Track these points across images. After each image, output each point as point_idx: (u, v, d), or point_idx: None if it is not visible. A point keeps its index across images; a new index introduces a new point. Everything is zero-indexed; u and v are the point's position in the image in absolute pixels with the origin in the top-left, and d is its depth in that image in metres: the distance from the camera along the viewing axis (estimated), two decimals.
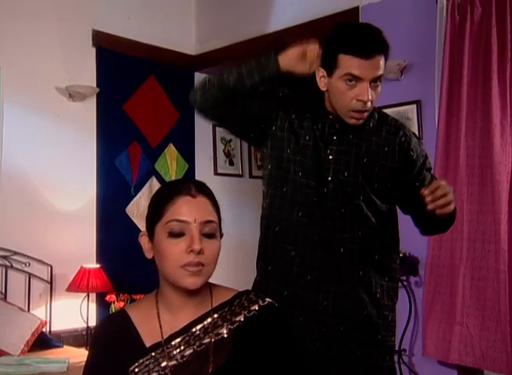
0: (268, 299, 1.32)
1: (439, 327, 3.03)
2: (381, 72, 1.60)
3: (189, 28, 4.53)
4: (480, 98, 2.95)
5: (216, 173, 4.59)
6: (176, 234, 1.23)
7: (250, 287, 1.41)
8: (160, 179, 4.28)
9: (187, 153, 4.45)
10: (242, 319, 1.28)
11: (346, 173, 1.68)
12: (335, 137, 1.70)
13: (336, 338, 1.66)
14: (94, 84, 3.96)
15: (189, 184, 1.27)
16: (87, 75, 3.93)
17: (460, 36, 3.03)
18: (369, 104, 1.61)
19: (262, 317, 1.29)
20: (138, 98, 4.20)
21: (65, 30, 3.87)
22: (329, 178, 1.69)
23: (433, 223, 1.75)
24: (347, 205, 1.68)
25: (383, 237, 1.74)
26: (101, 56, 4.02)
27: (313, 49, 1.67)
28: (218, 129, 4.68)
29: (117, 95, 4.09)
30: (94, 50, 4.00)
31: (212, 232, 1.25)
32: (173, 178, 4.34)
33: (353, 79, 1.58)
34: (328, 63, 1.63)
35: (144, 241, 1.30)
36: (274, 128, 1.75)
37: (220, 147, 4.69)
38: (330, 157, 1.69)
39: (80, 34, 3.94)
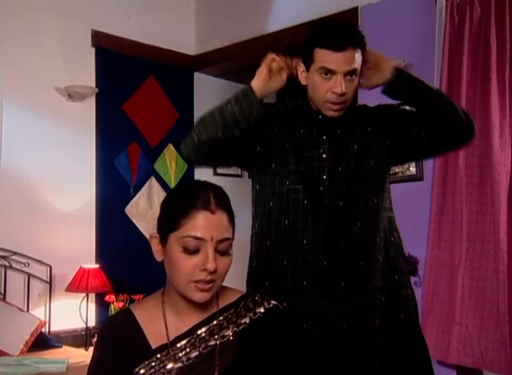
0: (273, 301, 1.32)
1: (438, 327, 3.03)
2: (355, 66, 1.65)
3: (188, 28, 4.53)
4: (479, 99, 2.96)
5: (215, 174, 4.58)
6: (191, 251, 1.20)
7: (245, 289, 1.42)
8: (159, 179, 4.28)
9: None
10: (248, 322, 1.27)
11: (340, 168, 1.71)
12: (324, 137, 1.73)
13: (340, 337, 1.66)
14: (94, 84, 3.96)
15: (208, 196, 1.22)
16: (86, 75, 3.93)
17: (459, 36, 3.03)
18: (343, 96, 1.66)
19: (268, 319, 1.28)
20: (137, 99, 4.20)
21: (64, 30, 3.86)
22: (324, 176, 1.71)
23: (429, 115, 1.73)
24: (345, 198, 1.70)
25: (381, 220, 1.75)
26: (101, 56, 4.02)
27: (272, 59, 1.71)
28: None
29: (116, 95, 4.09)
30: (93, 50, 4.00)
31: (227, 249, 1.23)
32: (172, 178, 4.34)
33: (328, 72, 1.64)
34: (306, 58, 1.70)
35: (154, 242, 1.27)
36: (258, 148, 1.77)
37: None
38: (324, 156, 1.72)
39: (80, 34, 3.94)
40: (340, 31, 1.66)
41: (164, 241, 1.24)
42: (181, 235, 1.20)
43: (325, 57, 1.64)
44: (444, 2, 3.12)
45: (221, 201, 1.23)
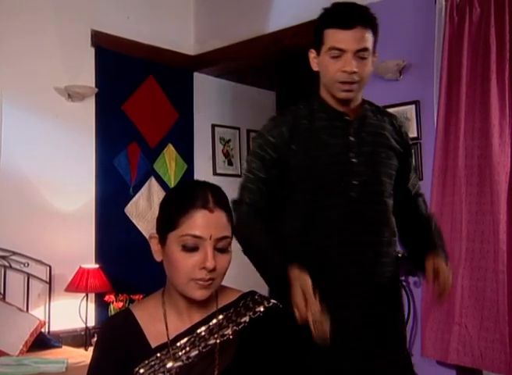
0: (273, 301, 1.32)
1: (437, 327, 3.03)
2: (365, 44, 1.63)
3: (188, 28, 4.53)
4: (479, 99, 2.96)
5: (215, 174, 4.59)
6: (189, 249, 1.20)
7: (247, 287, 1.41)
8: (159, 179, 4.28)
9: (186, 153, 4.45)
10: (247, 320, 1.28)
11: (368, 174, 1.70)
12: (352, 138, 1.71)
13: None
14: (93, 84, 3.96)
15: (207, 195, 1.22)
16: (85, 75, 3.93)
17: (458, 36, 3.03)
18: (355, 76, 1.64)
19: (267, 318, 1.29)
20: (137, 99, 4.20)
21: (64, 30, 3.86)
22: (355, 182, 1.69)
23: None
24: (375, 206, 1.71)
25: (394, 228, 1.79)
26: (100, 56, 4.02)
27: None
28: (217, 129, 4.68)
29: (116, 95, 4.09)
30: (92, 50, 4.00)
31: (226, 247, 1.23)
32: (172, 178, 4.34)
33: (338, 51, 1.63)
34: (317, 42, 1.70)
35: (153, 242, 1.27)
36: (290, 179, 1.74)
37: (219, 147, 4.69)
38: (353, 160, 1.70)
39: (79, 34, 3.94)
40: (349, 10, 1.66)
41: (163, 240, 1.24)
42: (180, 234, 1.20)
43: (333, 36, 1.63)
44: (444, 2, 3.12)
45: (219, 200, 1.24)
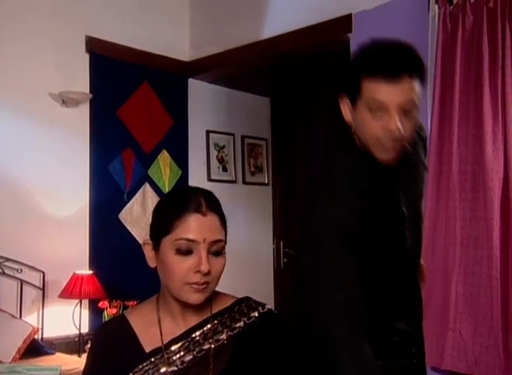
0: (268, 306, 1.33)
1: (432, 333, 3.03)
2: (412, 96, 1.35)
3: (183, 34, 4.54)
4: (472, 105, 2.97)
5: (209, 180, 4.59)
6: (183, 252, 1.21)
7: (243, 292, 1.41)
8: (153, 185, 4.27)
9: (181, 159, 4.45)
10: (242, 326, 1.28)
11: (414, 228, 1.55)
12: (398, 191, 1.49)
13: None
14: (88, 90, 3.96)
15: (199, 198, 1.24)
16: (80, 81, 3.93)
17: (452, 43, 3.05)
18: (400, 133, 1.35)
19: (262, 324, 1.29)
20: (132, 104, 4.20)
21: (58, 36, 3.86)
22: (406, 232, 1.51)
23: None
24: (418, 257, 1.65)
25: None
26: (95, 62, 4.02)
27: None
28: (211, 135, 4.69)
29: (110, 101, 4.09)
30: (87, 56, 4.00)
31: (220, 250, 1.24)
32: (167, 184, 4.34)
33: (379, 106, 1.35)
34: (351, 90, 1.40)
35: (147, 249, 1.28)
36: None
37: (213, 153, 4.70)
38: (405, 211, 1.50)
39: (74, 40, 3.94)
40: (393, 56, 1.35)
41: (157, 246, 1.25)
42: (174, 238, 1.21)
43: (375, 89, 1.34)
44: (437, 10, 3.14)
45: (212, 203, 1.25)
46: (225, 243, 1.27)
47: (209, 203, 1.24)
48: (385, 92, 1.33)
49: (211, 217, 1.23)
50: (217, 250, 1.23)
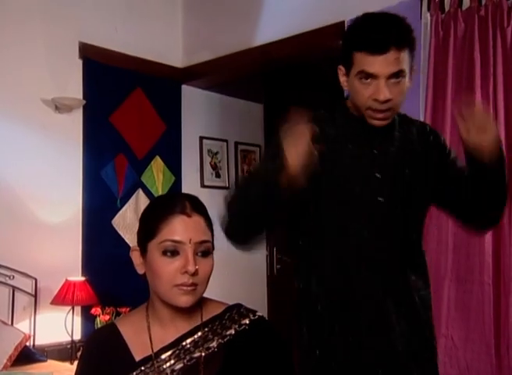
0: (258, 313, 1.32)
1: None
2: (400, 67, 1.46)
3: (176, 41, 4.55)
4: None
5: (203, 186, 4.60)
6: (170, 254, 1.21)
7: (235, 299, 1.41)
8: (146, 191, 4.27)
9: (174, 165, 4.45)
10: (233, 333, 1.28)
11: (392, 190, 1.58)
12: (375, 151, 1.58)
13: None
14: (81, 96, 3.95)
15: (183, 201, 1.25)
16: (73, 87, 3.93)
17: (443, 51, 3.07)
18: (388, 103, 1.48)
19: (253, 331, 1.29)
20: (125, 110, 4.20)
21: (51, 42, 3.86)
22: (380, 198, 1.56)
23: (478, 189, 1.58)
24: (400, 218, 1.60)
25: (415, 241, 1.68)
26: (88, 68, 4.01)
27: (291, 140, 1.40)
28: (204, 141, 4.69)
29: (103, 107, 4.08)
30: (80, 62, 3.99)
31: (206, 251, 1.24)
32: (160, 190, 4.33)
33: (368, 76, 1.47)
34: (345, 61, 1.52)
35: (135, 256, 1.28)
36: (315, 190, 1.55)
37: (207, 159, 4.70)
38: (377, 175, 1.57)
39: (67, 46, 3.94)
40: (381, 30, 1.46)
41: (144, 251, 1.25)
42: (159, 240, 1.22)
43: (363, 61, 1.46)
44: (429, 17, 3.16)
45: (197, 205, 1.26)
46: (213, 245, 1.27)
47: (194, 205, 1.25)
48: (374, 64, 1.45)
49: (196, 218, 1.23)
50: (204, 251, 1.23)
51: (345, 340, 1.54)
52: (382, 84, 1.46)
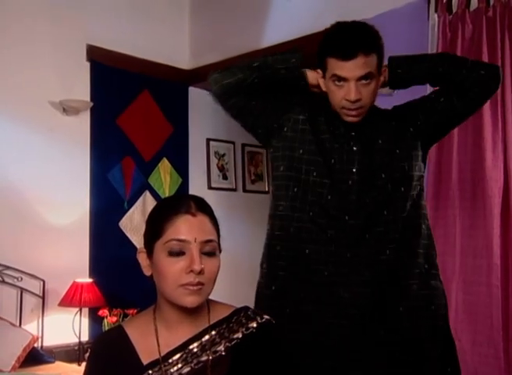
0: (266, 316, 1.31)
1: None
2: (368, 70, 1.64)
3: (183, 43, 4.55)
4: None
5: (210, 188, 4.59)
6: (175, 253, 1.22)
7: (242, 302, 1.41)
8: (154, 193, 4.27)
9: (181, 167, 4.45)
10: (240, 337, 1.27)
11: (372, 163, 1.72)
12: (353, 133, 1.74)
13: (361, 328, 1.66)
14: (88, 98, 3.97)
15: (188, 202, 1.25)
16: (80, 89, 3.94)
17: (451, 52, 3.06)
18: (359, 102, 1.66)
19: (260, 334, 1.28)
20: (132, 112, 4.21)
21: (59, 45, 3.88)
22: (354, 169, 1.71)
23: (448, 86, 1.79)
24: (374, 194, 1.70)
25: (411, 222, 1.75)
26: (95, 70, 4.03)
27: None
28: (211, 143, 4.69)
29: (111, 109, 4.10)
30: (88, 64, 4.01)
31: (212, 251, 1.24)
32: (167, 192, 4.34)
33: (340, 79, 1.65)
34: (321, 65, 1.72)
35: (142, 257, 1.29)
36: (285, 129, 1.79)
37: (213, 161, 4.70)
38: (354, 148, 1.73)
39: (74, 49, 3.96)
40: (349, 38, 1.65)
41: (150, 252, 1.26)
42: (165, 240, 1.22)
43: (335, 65, 1.65)
44: (436, 19, 3.15)
45: (202, 205, 1.26)
46: (220, 246, 1.27)
47: (199, 205, 1.26)
48: (344, 68, 1.63)
49: (201, 218, 1.24)
50: (210, 250, 1.23)
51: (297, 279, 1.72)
52: (352, 86, 1.64)
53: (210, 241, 1.23)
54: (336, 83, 1.66)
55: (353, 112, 1.68)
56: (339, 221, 1.69)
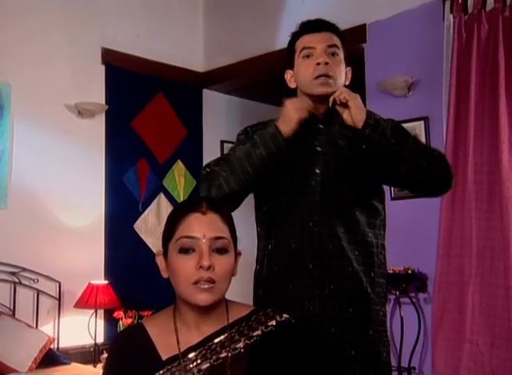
0: (285, 315, 1.32)
1: (448, 345, 3.00)
2: (333, 42, 1.69)
3: (197, 45, 4.57)
4: (488, 115, 2.96)
5: None
6: (186, 250, 1.23)
7: (250, 301, 1.42)
8: (168, 195, 4.29)
9: (195, 169, 4.46)
10: (259, 334, 1.28)
11: (335, 164, 1.67)
12: (321, 126, 1.72)
13: (329, 343, 1.62)
14: (103, 101, 3.99)
15: (201, 202, 1.28)
16: (96, 92, 3.97)
17: (467, 53, 3.04)
18: (329, 69, 1.66)
19: (279, 333, 1.28)
20: (146, 115, 4.23)
21: (74, 48, 3.91)
22: (317, 170, 1.68)
23: (378, 159, 1.64)
24: (337, 198, 1.66)
25: (368, 233, 1.69)
26: (110, 73, 4.06)
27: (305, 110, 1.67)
28: (225, 145, 4.69)
29: (125, 112, 4.12)
30: (103, 67, 4.04)
31: (223, 248, 1.25)
32: (181, 194, 4.35)
33: (309, 51, 1.69)
34: (290, 57, 1.75)
35: (160, 260, 1.30)
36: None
37: None
38: (318, 148, 1.70)
39: (89, 52, 3.99)
40: (315, 20, 1.77)
41: (166, 253, 1.28)
42: (176, 238, 1.25)
43: (303, 40, 1.71)
44: (452, 19, 3.13)
45: (213, 204, 1.28)
46: (235, 244, 1.28)
47: (210, 204, 1.27)
48: (311, 39, 1.70)
49: (211, 215, 1.26)
50: (220, 247, 1.24)
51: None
52: (320, 51, 1.68)
53: (220, 237, 1.24)
54: (305, 57, 1.69)
55: (323, 79, 1.65)
56: (300, 230, 1.69)
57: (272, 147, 1.62)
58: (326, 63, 1.66)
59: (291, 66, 1.76)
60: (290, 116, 1.66)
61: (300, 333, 1.33)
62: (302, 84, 1.72)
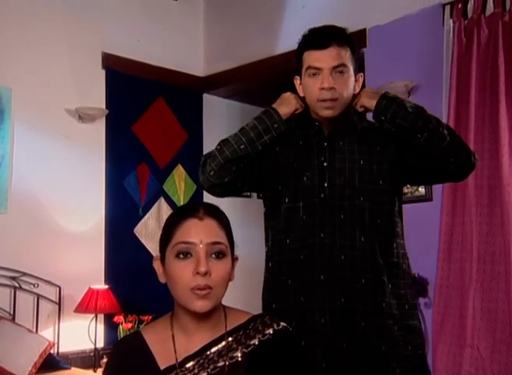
0: (282, 323, 1.31)
1: (449, 350, 3.00)
2: (341, 61, 1.68)
3: (197, 50, 4.58)
4: (488, 119, 2.96)
5: None
6: (183, 256, 1.23)
7: (257, 308, 1.41)
8: (168, 200, 4.29)
9: (196, 174, 4.41)
10: (256, 343, 1.27)
11: (342, 178, 1.70)
12: (325, 144, 1.74)
13: (340, 357, 1.62)
14: (104, 106, 4.00)
15: (198, 207, 1.28)
16: (96, 97, 3.98)
17: (467, 57, 3.05)
18: (334, 93, 1.67)
19: (277, 341, 1.28)
20: (147, 120, 4.24)
21: (75, 53, 3.92)
22: (325, 184, 1.70)
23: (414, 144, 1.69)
24: (346, 210, 1.68)
25: (388, 241, 1.70)
26: (111, 78, 4.06)
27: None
28: None
29: (126, 117, 4.12)
30: (103, 72, 4.05)
31: (220, 253, 1.25)
32: (182, 199, 4.35)
33: (315, 71, 1.69)
34: (298, 67, 1.76)
35: (157, 265, 1.30)
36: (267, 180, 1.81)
37: None
38: (324, 164, 1.72)
39: (90, 57, 3.99)
40: (323, 31, 1.73)
41: (163, 258, 1.28)
42: (174, 243, 1.25)
43: (310, 57, 1.70)
44: (451, 24, 3.14)
45: (210, 210, 1.28)
46: (232, 250, 1.28)
47: (207, 209, 1.28)
48: (318, 58, 1.68)
49: (208, 221, 1.26)
50: (217, 252, 1.24)
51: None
52: (326, 74, 1.67)
53: (217, 243, 1.24)
54: (311, 75, 1.69)
55: (329, 103, 1.67)
56: (311, 240, 1.71)
57: (265, 120, 1.75)
58: (331, 88, 1.67)
59: (299, 74, 1.77)
60: (290, 100, 1.76)
61: (298, 343, 1.32)
62: (308, 101, 1.75)
